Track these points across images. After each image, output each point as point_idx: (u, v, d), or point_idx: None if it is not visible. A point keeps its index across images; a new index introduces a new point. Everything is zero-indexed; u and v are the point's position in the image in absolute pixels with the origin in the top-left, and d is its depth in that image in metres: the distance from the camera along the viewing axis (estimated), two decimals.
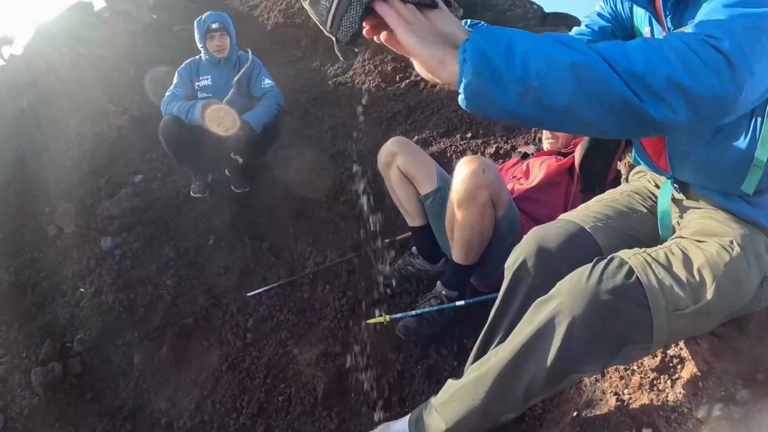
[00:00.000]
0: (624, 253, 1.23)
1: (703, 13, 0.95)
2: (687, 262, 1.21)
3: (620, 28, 1.59)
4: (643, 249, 1.26)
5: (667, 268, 1.19)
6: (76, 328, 3.30)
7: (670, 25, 1.24)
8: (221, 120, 3.51)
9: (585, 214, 1.56)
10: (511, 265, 1.51)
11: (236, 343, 2.73)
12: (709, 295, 1.14)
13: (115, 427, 2.69)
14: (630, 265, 1.17)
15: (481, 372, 1.31)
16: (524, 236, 1.56)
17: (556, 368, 1.18)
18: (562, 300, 1.18)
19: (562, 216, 1.60)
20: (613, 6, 1.58)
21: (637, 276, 1.15)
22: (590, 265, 1.20)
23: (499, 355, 1.28)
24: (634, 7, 1.49)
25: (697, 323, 1.20)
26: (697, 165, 1.37)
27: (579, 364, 1.19)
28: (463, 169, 1.99)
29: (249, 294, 3.00)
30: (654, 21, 1.34)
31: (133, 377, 2.88)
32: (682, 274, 1.17)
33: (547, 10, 5.70)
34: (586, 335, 1.14)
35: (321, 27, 0.89)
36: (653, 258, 1.21)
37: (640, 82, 0.80)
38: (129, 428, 2.68)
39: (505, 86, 0.80)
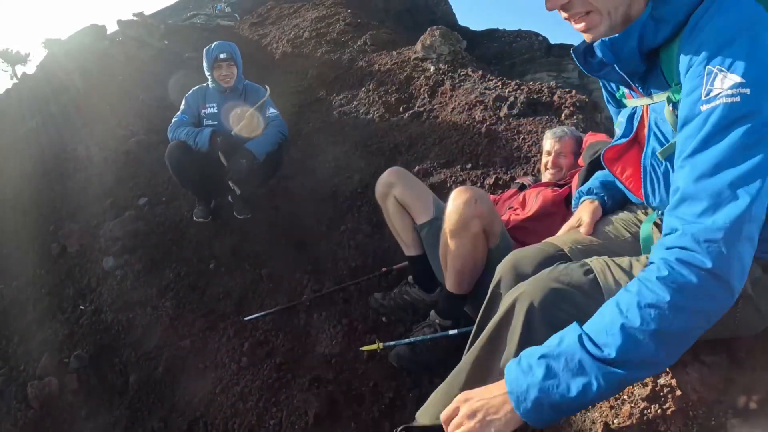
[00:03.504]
0: (589, 259, 1.32)
1: (679, 188, 1.07)
2: None
3: (610, 97, 1.68)
4: (612, 258, 1.33)
5: (628, 271, 1.26)
6: (75, 345, 3.34)
7: (642, 90, 1.35)
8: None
9: (567, 237, 1.63)
10: (491, 283, 1.59)
11: (231, 366, 2.74)
12: None
13: None
14: (591, 266, 1.28)
15: (457, 368, 1.40)
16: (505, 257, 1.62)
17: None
18: (524, 289, 1.29)
19: (546, 240, 1.65)
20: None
21: (595, 275, 1.25)
22: (556, 263, 1.33)
23: (472, 349, 1.38)
24: None
25: None
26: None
27: None
28: (456, 200, 2.03)
29: (246, 318, 3.01)
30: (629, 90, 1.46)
31: (128, 396, 2.90)
32: None
33: (552, 41, 5.80)
34: (543, 321, 1.23)
35: None
36: (617, 264, 1.29)
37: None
38: None
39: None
